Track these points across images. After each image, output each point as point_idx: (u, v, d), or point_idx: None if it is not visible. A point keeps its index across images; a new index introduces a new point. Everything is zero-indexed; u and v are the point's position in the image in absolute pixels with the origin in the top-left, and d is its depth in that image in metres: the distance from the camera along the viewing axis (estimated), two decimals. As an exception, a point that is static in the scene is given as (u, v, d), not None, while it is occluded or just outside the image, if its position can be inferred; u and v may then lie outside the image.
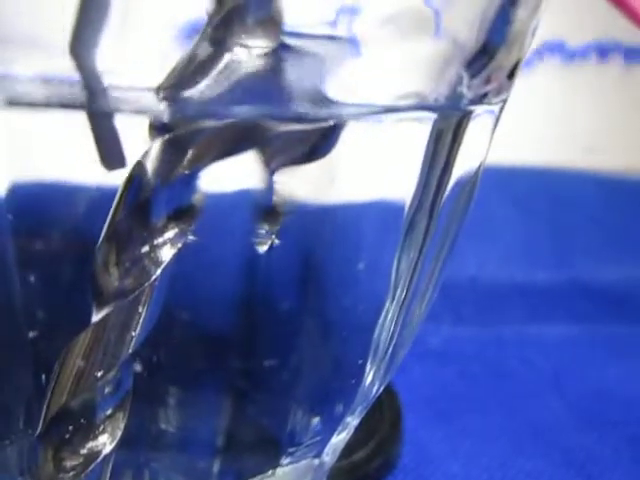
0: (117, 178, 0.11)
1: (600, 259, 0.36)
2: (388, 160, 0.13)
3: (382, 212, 0.14)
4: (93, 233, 0.11)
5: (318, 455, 0.16)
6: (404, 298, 0.15)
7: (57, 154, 0.12)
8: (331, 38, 0.12)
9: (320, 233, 0.13)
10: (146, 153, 0.11)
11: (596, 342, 0.30)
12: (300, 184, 0.13)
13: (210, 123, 0.11)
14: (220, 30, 0.11)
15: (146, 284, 0.11)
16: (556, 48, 0.36)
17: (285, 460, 0.15)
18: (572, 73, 0.37)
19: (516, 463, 0.22)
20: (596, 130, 0.38)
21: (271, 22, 0.12)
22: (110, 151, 0.11)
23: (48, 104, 0.11)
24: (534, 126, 0.38)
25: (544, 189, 0.37)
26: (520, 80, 0.13)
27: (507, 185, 0.36)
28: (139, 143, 0.11)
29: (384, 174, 0.14)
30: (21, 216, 0.12)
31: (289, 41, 0.12)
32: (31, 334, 0.13)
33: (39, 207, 0.13)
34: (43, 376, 0.13)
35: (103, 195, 0.12)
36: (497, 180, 0.36)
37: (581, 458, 0.23)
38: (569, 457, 0.23)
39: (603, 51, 0.37)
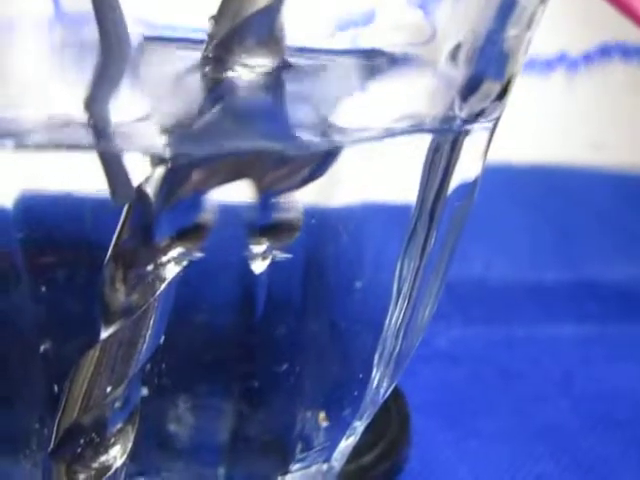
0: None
1: (609, 258, 0.36)
2: (389, 170, 0.13)
3: (384, 219, 0.14)
4: (103, 246, 0.12)
5: (327, 460, 0.16)
6: (407, 304, 0.15)
7: (66, 167, 0.12)
8: (338, 53, 0.12)
9: (322, 240, 0.14)
10: (147, 178, 0.11)
11: (606, 342, 0.30)
12: (302, 192, 0.13)
13: (211, 155, 0.11)
14: (220, 51, 0.11)
15: (151, 300, 0.11)
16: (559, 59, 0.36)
17: (294, 466, 0.15)
18: (578, 72, 0.37)
19: (525, 465, 0.22)
20: (603, 126, 0.38)
21: (272, 40, 0.12)
22: (120, 187, 0.11)
23: (57, 146, 0.11)
24: (541, 124, 0.37)
25: (552, 187, 0.37)
26: (526, 79, 0.13)
27: (515, 184, 0.36)
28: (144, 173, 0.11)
29: (385, 184, 0.14)
30: (31, 229, 0.13)
31: (292, 58, 0.12)
32: (42, 347, 0.13)
33: (49, 219, 0.13)
34: (55, 389, 0.13)
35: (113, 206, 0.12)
36: (505, 179, 0.36)
37: (590, 460, 0.23)
38: (578, 459, 0.23)
39: (607, 51, 0.37)
